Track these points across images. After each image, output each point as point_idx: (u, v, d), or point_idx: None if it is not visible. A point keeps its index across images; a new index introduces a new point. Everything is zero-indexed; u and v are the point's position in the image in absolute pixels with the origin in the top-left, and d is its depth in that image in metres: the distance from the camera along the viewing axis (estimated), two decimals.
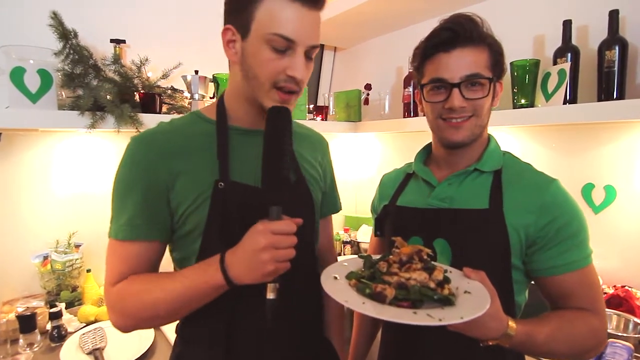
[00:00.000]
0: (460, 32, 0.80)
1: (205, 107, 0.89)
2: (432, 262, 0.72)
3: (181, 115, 0.87)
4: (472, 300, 0.63)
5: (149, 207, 0.76)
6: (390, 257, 0.73)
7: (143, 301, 0.73)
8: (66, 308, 1.43)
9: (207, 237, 0.77)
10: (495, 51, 0.84)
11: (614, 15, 1.22)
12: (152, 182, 0.75)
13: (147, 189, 0.75)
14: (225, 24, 0.77)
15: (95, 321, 1.41)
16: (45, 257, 1.47)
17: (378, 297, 0.62)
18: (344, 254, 2.13)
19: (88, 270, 1.53)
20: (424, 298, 0.63)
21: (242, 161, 0.80)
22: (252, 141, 0.82)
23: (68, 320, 1.36)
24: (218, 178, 0.76)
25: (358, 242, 2.16)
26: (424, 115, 0.93)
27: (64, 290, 1.48)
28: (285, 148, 0.70)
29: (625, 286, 1.31)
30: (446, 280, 0.68)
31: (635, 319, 1.19)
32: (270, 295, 0.68)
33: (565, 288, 0.80)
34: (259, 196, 0.74)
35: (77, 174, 1.58)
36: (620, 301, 1.28)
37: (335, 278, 0.70)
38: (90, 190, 1.60)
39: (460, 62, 0.81)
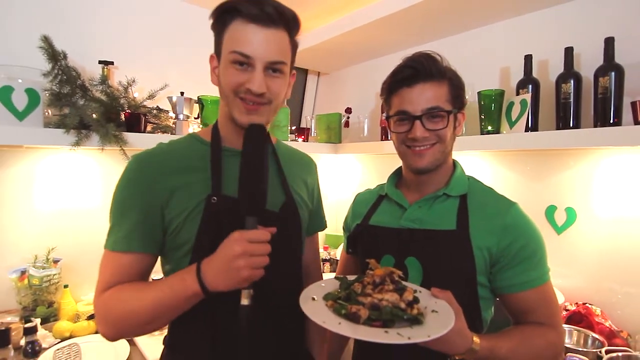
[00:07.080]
0: (420, 69, 0.88)
1: (201, 130, 0.98)
2: (403, 283, 0.77)
3: (178, 137, 0.99)
4: (438, 319, 0.68)
5: (146, 223, 0.80)
6: (365, 278, 0.78)
7: (124, 309, 0.76)
8: (41, 324, 1.42)
9: (197, 250, 0.80)
10: (455, 85, 0.91)
11: (569, 52, 1.33)
12: (150, 199, 0.80)
13: (145, 207, 0.80)
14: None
15: (71, 337, 1.41)
16: (23, 272, 1.47)
17: (353, 318, 0.68)
18: (323, 271, 2.17)
19: (65, 286, 1.53)
20: (395, 318, 0.68)
21: (234, 179, 0.82)
22: None
23: (43, 335, 1.35)
24: (211, 193, 0.81)
25: (337, 260, 2.19)
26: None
27: (40, 306, 1.47)
28: (261, 162, 0.75)
29: (585, 303, 1.38)
30: (415, 300, 0.73)
31: (594, 335, 1.26)
32: (244, 302, 0.71)
33: (525, 304, 0.86)
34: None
35: (59, 190, 1.59)
36: (581, 318, 1.34)
37: (314, 299, 0.75)
38: (71, 206, 1.61)
39: (421, 97, 0.89)
